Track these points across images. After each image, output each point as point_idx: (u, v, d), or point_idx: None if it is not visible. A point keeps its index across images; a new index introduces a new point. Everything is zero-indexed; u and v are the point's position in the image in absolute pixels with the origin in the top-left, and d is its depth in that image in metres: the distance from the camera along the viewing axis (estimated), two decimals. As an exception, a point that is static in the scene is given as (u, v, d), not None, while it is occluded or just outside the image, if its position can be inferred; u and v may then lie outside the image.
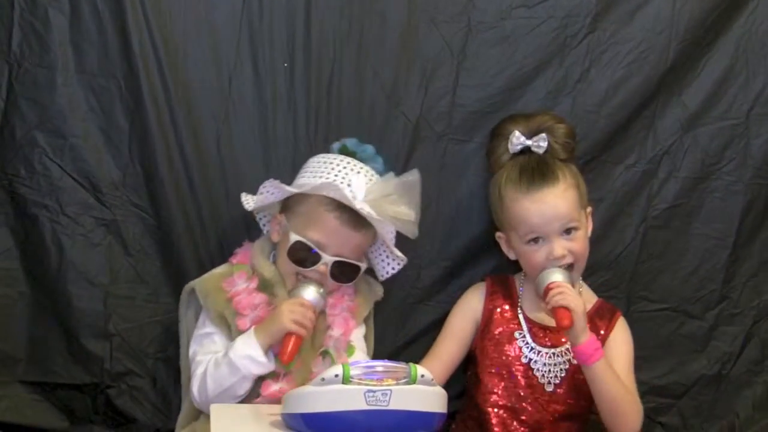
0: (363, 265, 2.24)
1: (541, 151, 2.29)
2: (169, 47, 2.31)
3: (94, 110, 2.32)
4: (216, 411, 2.04)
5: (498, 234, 2.34)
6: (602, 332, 2.31)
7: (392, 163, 2.38)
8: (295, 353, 2.12)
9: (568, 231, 2.24)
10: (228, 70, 2.35)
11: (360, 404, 1.86)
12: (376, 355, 2.30)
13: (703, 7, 2.42)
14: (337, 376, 1.87)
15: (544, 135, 2.29)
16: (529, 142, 2.30)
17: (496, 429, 2.28)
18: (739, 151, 2.48)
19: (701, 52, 2.45)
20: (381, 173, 2.25)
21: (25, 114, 2.31)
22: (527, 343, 2.30)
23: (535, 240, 2.24)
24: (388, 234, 2.19)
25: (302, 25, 2.37)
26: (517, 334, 2.31)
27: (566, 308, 2.14)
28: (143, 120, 2.32)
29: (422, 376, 1.90)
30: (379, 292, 2.34)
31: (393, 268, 2.30)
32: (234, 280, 2.22)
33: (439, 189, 2.43)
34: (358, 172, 2.21)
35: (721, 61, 2.46)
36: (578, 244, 2.25)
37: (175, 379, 2.33)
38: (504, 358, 2.30)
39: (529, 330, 2.31)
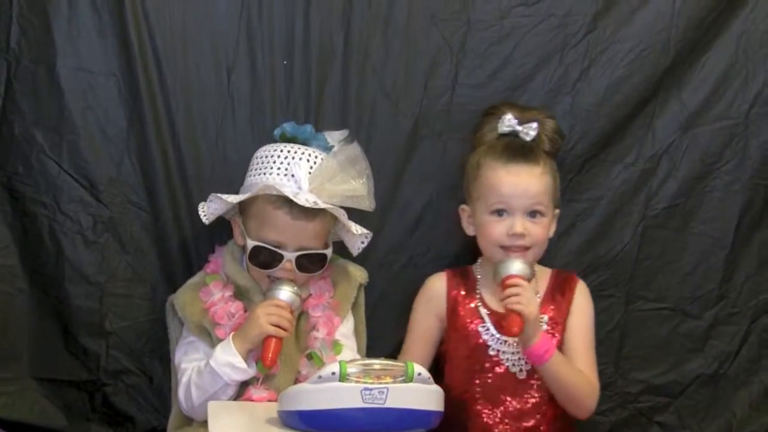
0: (328, 251, 2.22)
1: (528, 138, 2.29)
2: (167, 45, 2.32)
3: (92, 108, 2.32)
4: (213, 408, 2.05)
5: (462, 207, 2.33)
6: (563, 307, 2.31)
7: (391, 161, 2.40)
8: (277, 356, 2.11)
9: (533, 214, 2.24)
10: (226, 68, 2.35)
11: (357, 402, 1.87)
12: (374, 354, 2.30)
13: (702, 7, 2.42)
14: (334, 373, 1.87)
15: (535, 124, 2.29)
16: (519, 128, 2.29)
17: (478, 425, 2.28)
18: (738, 150, 2.47)
19: (701, 51, 2.45)
20: (326, 149, 2.23)
21: (23, 111, 2.31)
22: (492, 335, 2.28)
23: (499, 212, 2.24)
24: (341, 216, 2.18)
25: (301, 23, 2.37)
26: (480, 328, 2.29)
27: (519, 314, 2.13)
28: (141, 118, 2.32)
29: (419, 374, 1.91)
30: (360, 277, 2.32)
31: (362, 242, 2.28)
32: (210, 290, 2.22)
33: (438, 188, 2.43)
34: (300, 159, 2.18)
35: (721, 60, 2.46)
36: (540, 229, 2.24)
37: (171, 378, 2.31)
38: (473, 353, 2.29)
39: (492, 321, 2.29)
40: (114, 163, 2.34)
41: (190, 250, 2.36)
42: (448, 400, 2.27)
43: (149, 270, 2.37)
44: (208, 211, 2.21)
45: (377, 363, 1.91)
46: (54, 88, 2.30)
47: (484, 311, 2.30)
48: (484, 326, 2.30)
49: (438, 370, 2.34)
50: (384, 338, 2.41)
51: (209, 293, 2.22)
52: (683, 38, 2.42)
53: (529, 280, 2.20)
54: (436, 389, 1.95)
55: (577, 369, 2.24)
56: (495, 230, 2.24)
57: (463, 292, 2.33)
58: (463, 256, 2.44)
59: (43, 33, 2.29)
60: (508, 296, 2.15)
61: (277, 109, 2.37)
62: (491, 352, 2.28)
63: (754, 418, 2.51)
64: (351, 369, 1.88)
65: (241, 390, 2.16)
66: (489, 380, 2.27)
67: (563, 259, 2.44)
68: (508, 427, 2.26)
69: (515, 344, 2.26)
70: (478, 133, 2.34)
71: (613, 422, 2.48)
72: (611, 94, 2.43)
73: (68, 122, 2.31)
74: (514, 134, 2.29)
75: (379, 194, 2.34)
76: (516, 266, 2.19)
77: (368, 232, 2.25)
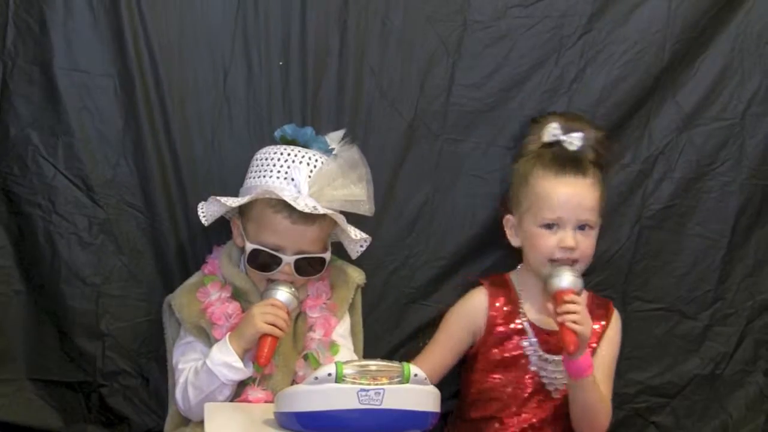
0: (327, 255, 2.22)
1: (573, 147, 2.29)
2: (163, 45, 2.31)
3: (87, 108, 2.32)
4: (210, 410, 2.05)
5: (507, 217, 2.32)
6: (598, 330, 2.31)
7: (387, 162, 2.40)
8: (272, 355, 2.11)
9: (582, 227, 2.24)
10: (223, 69, 2.34)
11: (353, 403, 1.87)
12: (370, 355, 2.30)
13: (698, 8, 2.42)
14: (330, 375, 1.87)
15: (580, 134, 2.29)
16: (563, 137, 2.29)
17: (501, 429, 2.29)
18: (734, 151, 2.48)
19: (697, 52, 2.45)
20: (326, 151, 2.23)
21: (18, 112, 2.30)
22: (535, 350, 2.29)
23: (550, 225, 2.24)
24: (340, 221, 2.18)
25: (298, 23, 2.36)
26: (525, 343, 2.29)
27: (575, 333, 2.12)
28: (137, 119, 2.32)
29: (415, 375, 1.90)
30: (358, 278, 2.32)
31: (361, 246, 2.27)
32: (207, 291, 2.22)
33: (434, 188, 2.43)
34: (300, 163, 2.18)
35: (717, 61, 2.46)
36: (589, 242, 2.25)
37: (167, 379, 2.31)
38: (511, 366, 2.29)
39: (537, 337, 2.29)
40: (110, 164, 2.34)
41: (186, 251, 2.36)
42: (469, 401, 2.29)
43: (145, 271, 2.37)
44: (207, 212, 2.21)
45: (373, 364, 1.90)
46: (50, 90, 2.30)
47: (528, 327, 2.30)
48: (528, 341, 2.29)
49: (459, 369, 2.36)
50: (380, 339, 2.41)
51: (207, 294, 2.22)
52: (679, 39, 2.42)
53: (580, 292, 2.19)
54: (432, 390, 1.94)
55: (602, 392, 2.25)
56: (545, 243, 2.24)
57: (504, 304, 2.31)
58: (459, 257, 2.44)
59: (39, 34, 2.29)
60: (565, 313, 2.14)
61: (273, 110, 2.37)
62: (532, 368, 2.28)
63: (749, 418, 2.51)
64: (347, 370, 1.87)
65: (239, 390, 2.16)
66: (520, 391, 2.28)
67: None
68: None
69: (555, 362, 2.27)
70: (523, 143, 2.34)
71: (610, 422, 2.48)
72: (607, 95, 2.43)
73: (64, 123, 2.31)
74: (558, 143, 2.29)
75: (375, 195, 2.35)
76: (567, 279, 2.18)
77: (367, 236, 2.24)
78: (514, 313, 2.31)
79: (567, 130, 2.29)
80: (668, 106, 2.46)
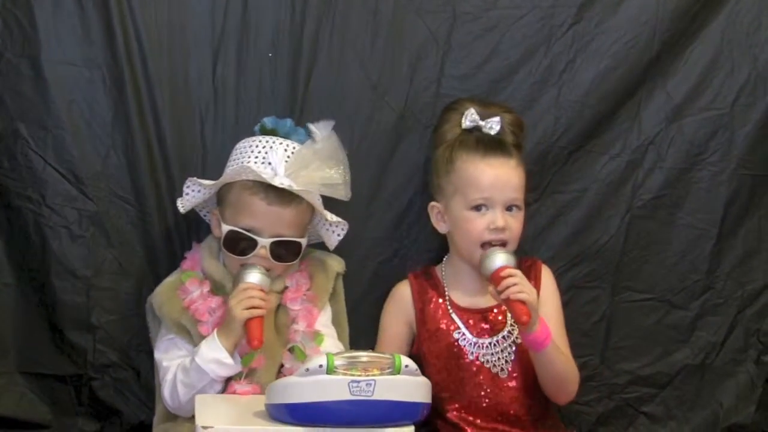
0: (303, 240, 2.23)
1: (492, 132, 2.28)
2: (152, 37, 2.31)
3: (76, 101, 2.32)
4: (200, 401, 2.05)
5: (432, 204, 2.32)
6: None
7: (377, 154, 2.40)
8: (262, 334, 2.10)
9: (510, 208, 2.24)
10: (212, 61, 2.34)
11: (344, 394, 1.87)
12: (360, 346, 2.29)
13: (687, -2, 2.43)
14: (321, 366, 1.87)
15: (497, 118, 2.29)
16: (481, 122, 2.29)
17: (460, 425, 2.27)
18: (724, 141, 2.48)
19: (686, 42, 2.46)
20: (303, 143, 2.24)
21: (7, 105, 2.30)
22: (467, 339, 2.27)
23: (478, 207, 2.23)
24: (314, 201, 2.18)
25: (287, 15, 2.36)
26: (456, 334, 2.28)
27: (523, 302, 2.12)
28: (126, 111, 2.31)
29: (406, 366, 1.90)
30: (337, 266, 2.32)
31: (338, 235, 2.26)
32: (187, 288, 2.22)
33: (424, 180, 2.42)
34: (277, 149, 2.19)
35: (706, 51, 2.46)
36: (516, 224, 2.24)
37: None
38: (449, 357, 2.28)
39: (465, 324, 2.28)
40: (99, 156, 2.34)
41: (175, 244, 2.36)
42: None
43: (135, 264, 2.36)
44: (184, 198, 2.21)
45: (364, 355, 1.91)
46: (38, 82, 2.29)
47: (456, 317, 2.30)
48: (459, 332, 2.29)
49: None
50: (369, 331, 2.40)
51: (187, 291, 2.22)
52: (668, 29, 2.43)
53: (514, 267, 2.19)
54: (423, 381, 1.95)
55: (564, 354, 2.25)
56: (475, 227, 2.23)
57: (430, 296, 2.32)
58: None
59: (27, 26, 2.28)
60: (507, 287, 2.14)
61: (262, 102, 2.37)
62: (470, 357, 2.27)
63: (740, 408, 2.52)
64: (338, 361, 1.88)
65: (224, 386, 2.16)
66: (469, 381, 2.26)
67: (549, 251, 2.45)
68: (488, 418, 2.27)
69: (492, 345, 2.26)
70: (439, 130, 2.33)
71: (600, 413, 2.49)
72: (597, 86, 2.43)
73: (53, 116, 2.30)
74: (477, 129, 2.29)
75: (364, 186, 2.36)
76: (501, 258, 2.18)
77: (344, 221, 2.24)
78: (442, 300, 2.31)
79: (484, 116, 2.30)
80: (658, 97, 2.46)
